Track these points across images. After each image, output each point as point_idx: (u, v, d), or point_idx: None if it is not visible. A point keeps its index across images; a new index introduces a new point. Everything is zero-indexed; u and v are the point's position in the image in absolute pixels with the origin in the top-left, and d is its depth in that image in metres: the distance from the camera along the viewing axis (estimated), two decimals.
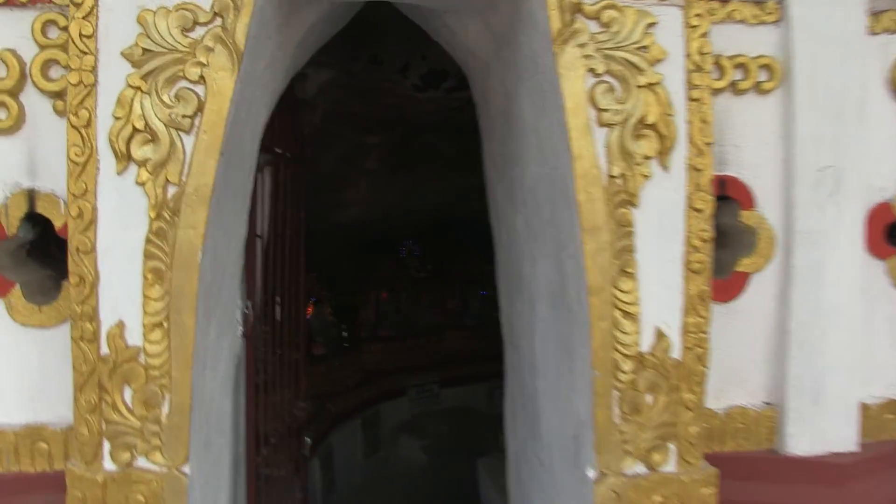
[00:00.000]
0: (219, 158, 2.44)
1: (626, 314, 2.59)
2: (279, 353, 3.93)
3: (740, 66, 2.85)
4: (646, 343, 2.63)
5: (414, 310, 10.14)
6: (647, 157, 2.56)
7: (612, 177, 2.54)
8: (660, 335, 2.64)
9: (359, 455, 8.52)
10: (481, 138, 3.99)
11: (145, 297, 2.45)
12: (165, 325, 2.46)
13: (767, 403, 3.01)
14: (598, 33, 2.51)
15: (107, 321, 2.45)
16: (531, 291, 3.22)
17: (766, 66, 2.86)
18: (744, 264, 2.98)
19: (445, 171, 6.90)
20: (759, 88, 2.86)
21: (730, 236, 2.95)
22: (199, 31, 2.40)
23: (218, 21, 2.39)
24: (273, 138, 3.46)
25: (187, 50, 2.38)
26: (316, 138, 5.75)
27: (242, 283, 3.17)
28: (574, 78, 2.49)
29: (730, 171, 2.90)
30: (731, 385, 2.99)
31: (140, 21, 2.37)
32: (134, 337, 2.47)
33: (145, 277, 2.44)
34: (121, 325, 2.46)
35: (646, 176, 2.56)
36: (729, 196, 2.90)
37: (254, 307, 3.27)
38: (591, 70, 2.51)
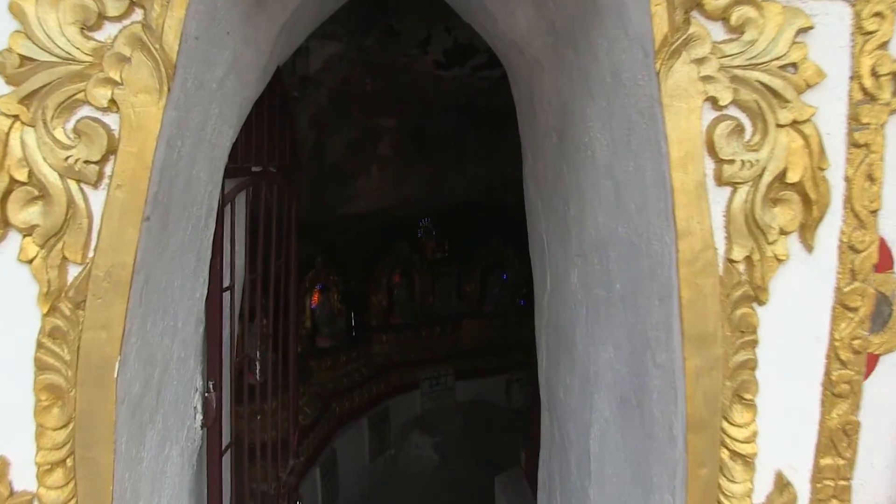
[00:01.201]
0: (143, 223, 1.62)
1: (738, 455, 1.78)
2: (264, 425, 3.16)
3: None
4: (761, 492, 1.83)
5: (429, 296, 9.34)
6: (783, 232, 1.71)
7: (731, 261, 1.70)
8: (782, 483, 1.83)
9: (364, 457, 7.84)
10: (522, 146, 3.14)
11: (39, 425, 1.66)
12: (69, 462, 1.68)
13: None
14: (725, 42, 1.64)
15: None
16: (587, 373, 2.40)
17: None
18: (873, 344, 2.15)
19: (469, 161, 6.03)
20: None
21: None
22: (108, 31, 1.55)
23: (136, 15, 1.54)
24: (248, 154, 2.63)
25: (90, 60, 1.54)
26: (320, 122, 4.89)
27: (202, 357, 2.38)
28: (685, 111, 1.63)
29: None
30: None
31: (14, 12, 1.52)
32: (23, 480, 1.69)
33: (38, 398, 1.65)
34: (2, 463, 1.68)
35: (780, 259, 1.72)
36: None
37: (219, 384, 2.48)
38: (712, 100, 1.64)
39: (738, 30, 1.63)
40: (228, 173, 2.36)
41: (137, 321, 1.70)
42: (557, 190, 2.56)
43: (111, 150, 1.57)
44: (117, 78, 1.54)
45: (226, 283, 2.54)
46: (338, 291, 8.35)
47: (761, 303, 1.71)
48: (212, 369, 2.43)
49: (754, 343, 1.72)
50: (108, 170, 1.58)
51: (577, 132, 2.22)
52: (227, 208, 2.47)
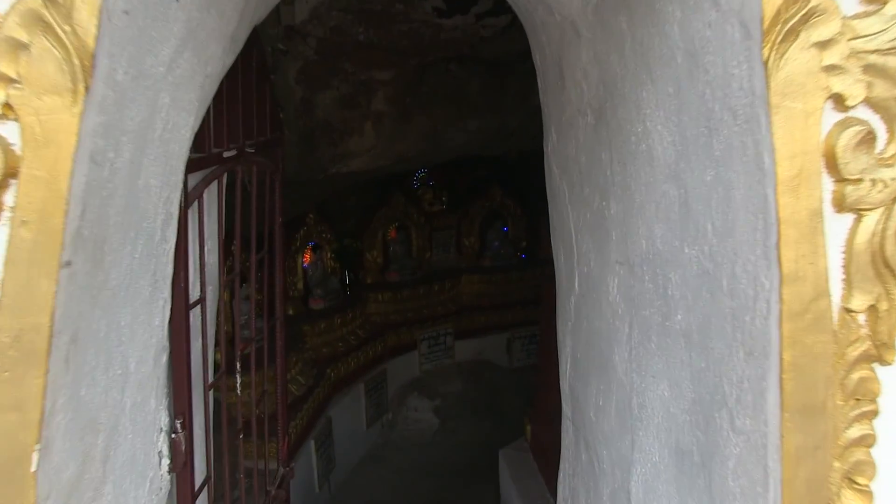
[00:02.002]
0: (62, 270, 1.19)
1: None
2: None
3: None
4: None
5: (426, 251, 8.95)
6: None
7: (849, 311, 1.28)
8: None
9: (361, 424, 7.58)
10: (543, 118, 2.68)
11: None
12: None
13: None
14: (859, 17, 1.19)
15: None
16: (628, 403, 2.02)
17: None
18: None
19: (470, 114, 5.54)
20: None
21: None
22: None
23: None
24: (219, 137, 2.18)
25: None
26: (309, 77, 4.38)
27: (168, 389, 1.97)
28: (801, 115, 1.19)
29: None
30: None
31: None
32: None
33: None
34: None
35: None
36: None
37: (189, 419, 2.08)
38: (837, 98, 1.20)
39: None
40: (192, 166, 1.92)
41: (65, 392, 1.29)
42: (593, 180, 2.12)
43: (10, 174, 1.12)
44: (12, 74, 1.09)
45: (195, 297, 2.12)
46: (331, 249, 7.95)
47: (885, 363, 1.31)
48: (179, 403, 2.03)
49: (873, 414, 1.33)
50: (7, 200, 1.13)
51: (626, 118, 1.77)
52: (193, 208, 2.03)
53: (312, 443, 6.36)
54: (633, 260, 1.88)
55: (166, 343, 1.92)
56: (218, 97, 2.00)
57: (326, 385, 7.00)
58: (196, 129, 1.80)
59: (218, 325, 2.49)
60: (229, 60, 1.91)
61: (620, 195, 1.91)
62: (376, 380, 7.78)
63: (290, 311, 7.42)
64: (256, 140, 2.60)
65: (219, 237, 2.43)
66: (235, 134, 2.46)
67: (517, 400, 8.75)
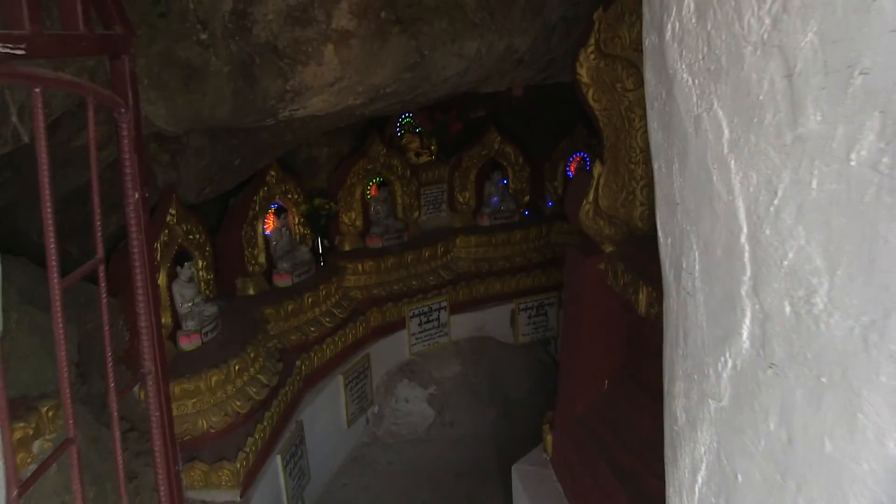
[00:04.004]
0: None
1: None
2: None
3: None
4: None
5: (413, 210, 7.57)
6: None
7: None
8: None
9: (341, 423, 6.31)
10: (646, 74, 1.30)
11: None
12: None
13: None
14: None
15: None
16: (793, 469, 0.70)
17: None
18: None
19: (467, 32, 4.12)
20: None
21: None
22: None
23: None
24: None
25: None
26: None
27: None
28: None
29: None
30: None
31: None
32: None
33: None
34: None
35: None
36: None
37: None
38: None
39: None
40: None
41: None
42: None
43: None
44: None
45: None
46: (298, 212, 6.57)
47: None
48: None
49: None
50: None
51: None
52: None
53: (278, 459, 5.09)
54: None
55: None
56: None
57: (296, 381, 5.70)
58: None
59: None
60: None
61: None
62: (358, 368, 6.49)
63: (251, 291, 6.08)
64: (80, 31, 1.21)
65: None
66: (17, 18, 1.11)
67: (525, 381, 7.52)
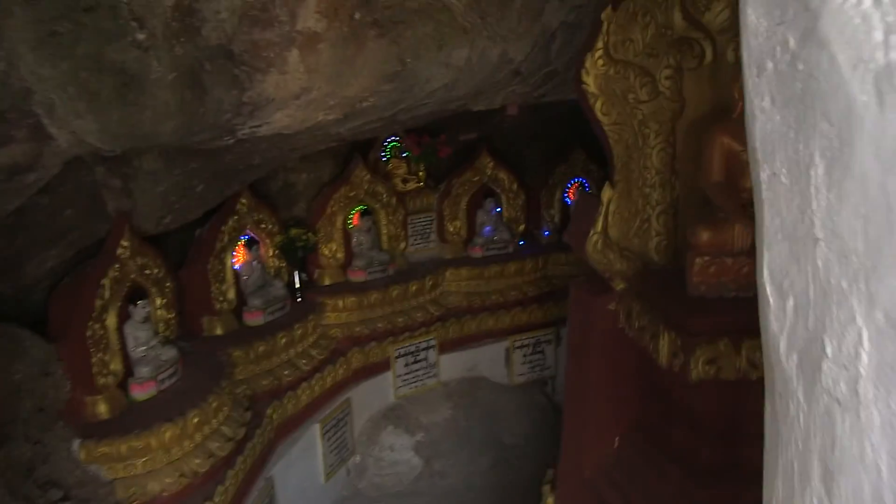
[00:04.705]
0: None
1: None
2: None
3: None
4: None
5: (400, 240, 7.01)
6: None
7: None
8: None
9: (318, 477, 5.67)
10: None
11: None
12: None
13: None
14: None
15: None
16: None
17: None
18: None
19: (455, 38, 3.62)
20: None
21: None
22: None
23: None
24: None
25: None
26: None
27: None
28: None
29: None
30: None
31: None
32: None
33: None
34: None
35: None
36: None
37: None
38: None
39: None
40: None
41: None
42: None
43: None
44: None
45: None
46: (273, 243, 6.00)
47: None
48: None
49: None
50: None
51: None
52: None
53: None
54: None
55: None
56: None
57: (266, 432, 5.09)
58: None
59: None
60: None
61: None
62: (337, 415, 5.88)
63: (218, 331, 5.49)
64: None
65: None
66: None
67: (521, 426, 6.92)
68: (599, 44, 3.21)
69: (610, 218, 3.36)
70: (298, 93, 3.30)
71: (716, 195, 3.08)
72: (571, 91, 5.08)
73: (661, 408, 3.26)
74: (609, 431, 3.72)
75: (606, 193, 3.34)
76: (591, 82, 3.25)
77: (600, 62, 3.24)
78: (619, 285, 3.47)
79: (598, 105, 3.28)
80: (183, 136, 3.21)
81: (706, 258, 2.97)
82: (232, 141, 3.60)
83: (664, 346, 2.94)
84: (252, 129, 3.49)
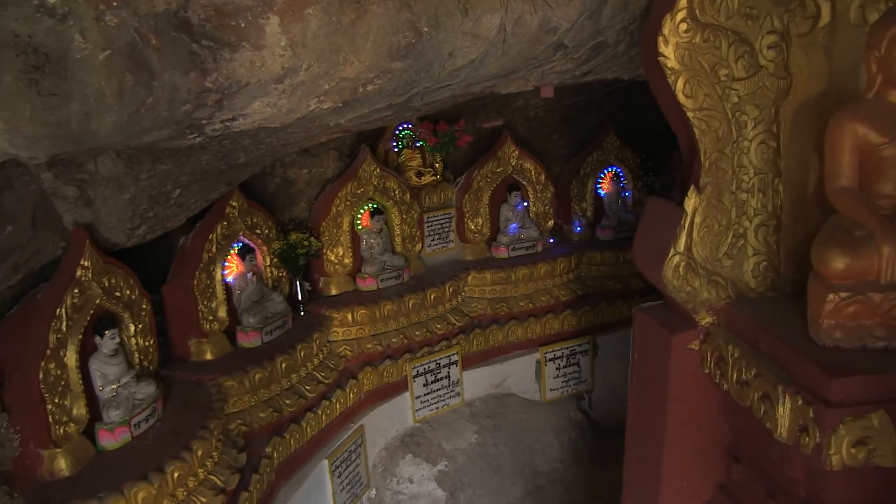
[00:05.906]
0: None
1: None
2: None
3: None
4: None
5: (415, 241, 6.22)
6: None
7: None
8: None
9: None
10: None
11: None
12: None
13: None
14: None
15: None
16: None
17: None
18: None
19: (486, 1, 2.81)
20: None
21: None
22: None
23: None
24: None
25: None
26: None
27: None
28: None
29: None
30: None
31: None
32: None
33: None
34: None
35: None
36: None
37: None
38: None
39: None
40: None
41: None
42: None
43: None
44: None
45: None
46: (271, 251, 5.24)
47: None
48: None
49: None
50: None
51: None
52: None
53: None
54: None
55: None
56: None
57: (266, 475, 4.35)
58: None
59: None
60: None
61: None
62: (348, 447, 5.14)
63: (208, 355, 4.74)
64: None
65: None
66: None
67: (556, 448, 6.16)
68: (682, 2, 2.39)
69: (695, 233, 2.55)
70: (281, 75, 2.50)
71: (848, 206, 2.27)
72: (620, 68, 4.26)
73: (767, 487, 2.46)
74: (687, 497, 2.94)
75: (691, 201, 2.52)
76: (670, 54, 2.42)
77: (683, 27, 2.42)
78: (705, 319, 2.67)
79: (679, 84, 2.46)
80: (128, 135, 2.43)
81: (842, 294, 2.15)
82: (198, 138, 2.81)
83: (785, 415, 2.14)
84: (224, 123, 2.69)
